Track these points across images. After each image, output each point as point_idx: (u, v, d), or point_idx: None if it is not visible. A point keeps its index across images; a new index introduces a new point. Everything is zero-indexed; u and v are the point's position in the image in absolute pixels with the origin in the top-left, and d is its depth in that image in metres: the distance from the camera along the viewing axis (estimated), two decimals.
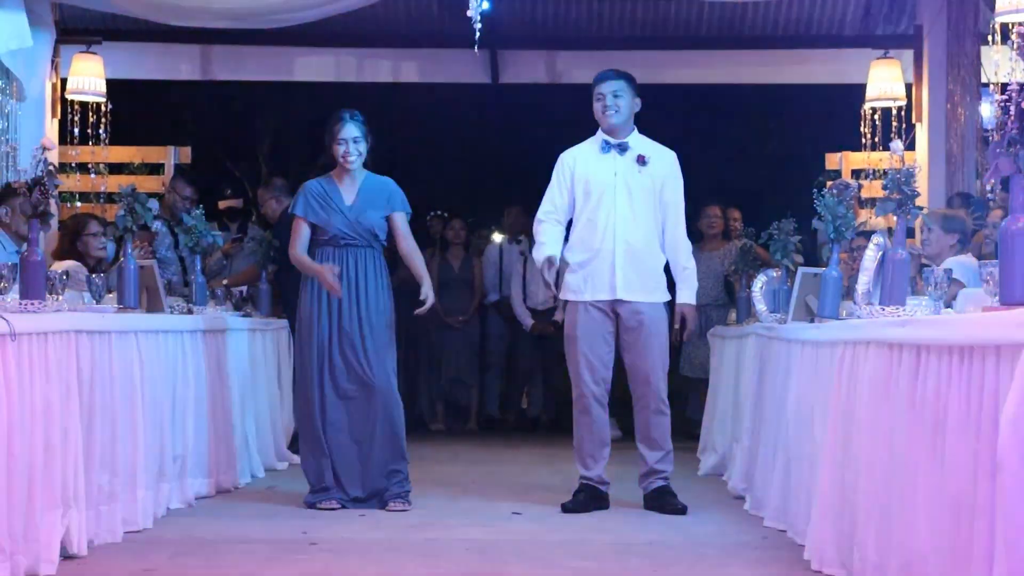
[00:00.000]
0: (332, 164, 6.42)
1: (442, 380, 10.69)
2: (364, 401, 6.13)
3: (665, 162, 6.25)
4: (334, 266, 6.15)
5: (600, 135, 6.25)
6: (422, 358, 10.69)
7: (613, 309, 6.16)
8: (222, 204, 9.79)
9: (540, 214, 6.28)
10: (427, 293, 6.32)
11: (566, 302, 6.29)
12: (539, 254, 6.21)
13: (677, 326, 6.28)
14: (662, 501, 6.09)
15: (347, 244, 6.21)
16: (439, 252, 10.80)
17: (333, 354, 6.15)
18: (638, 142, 6.24)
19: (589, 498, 6.14)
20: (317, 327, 6.16)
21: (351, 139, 6.21)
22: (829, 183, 8.63)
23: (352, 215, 6.22)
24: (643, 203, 6.16)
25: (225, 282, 8.31)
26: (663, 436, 6.19)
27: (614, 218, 6.11)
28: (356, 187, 6.28)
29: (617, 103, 6.15)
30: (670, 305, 6.35)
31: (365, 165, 6.32)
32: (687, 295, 6.26)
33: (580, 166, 6.22)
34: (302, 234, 6.29)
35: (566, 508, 6.08)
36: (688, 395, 9.93)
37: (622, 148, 6.20)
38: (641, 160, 6.17)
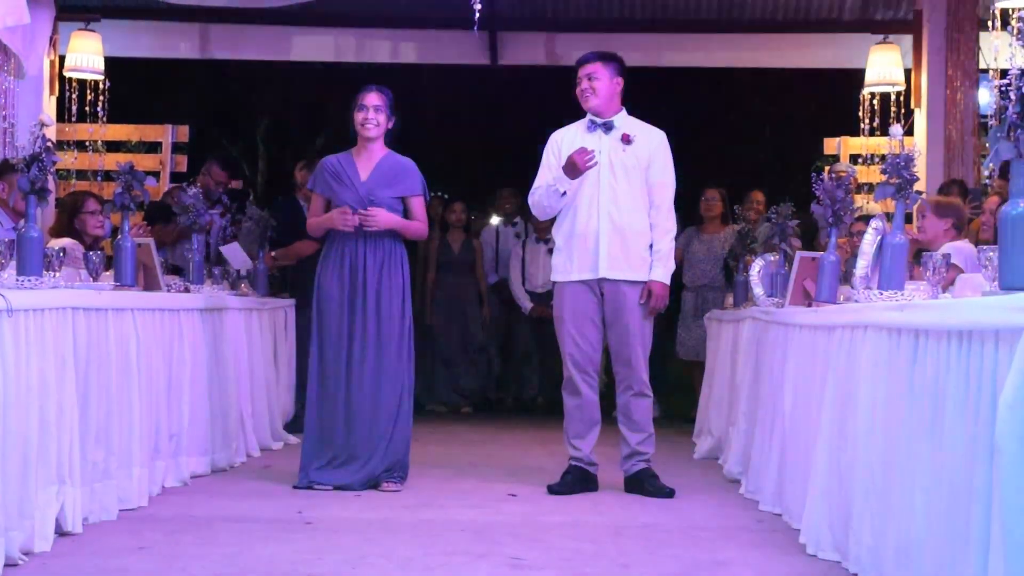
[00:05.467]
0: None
1: (442, 362, 10.66)
2: (371, 378, 6.11)
3: (652, 141, 6.21)
4: (344, 209, 6.12)
5: (588, 115, 6.25)
6: (418, 340, 10.63)
7: (599, 288, 6.16)
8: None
9: (532, 190, 6.25)
10: None
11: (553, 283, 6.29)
12: (546, 182, 6.12)
13: (642, 301, 6.17)
14: (646, 484, 6.09)
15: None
16: (440, 234, 10.79)
17: (342, 331, 6.13)
18: (625, 122, 6.23)
19: (576, 480, 6.14)
20: (331, 304, 6.14)
21: (372, 106, 6.18)
22: (827, 168, 8.66)
23: (364, 191, 6.19)
24: (628, 182, 6.13)
25: (273, 254, 8.30)
26: (644, 418, 6.19)
27: (598, 197, 6.08)
28: (373, 164, 6.25)
29: (592, 85, 6.15)
30: None
31: (389, 145, 6.30)
32: (658, 273, 6.12)
33: (567, 145, 6.19)
34: (317, 209, 6.27)
35: (552, 490, 6.08)
36: (694, 378, 9.90)
37: (607, 127, 6.19)
38: (626, 139, 6.16)
